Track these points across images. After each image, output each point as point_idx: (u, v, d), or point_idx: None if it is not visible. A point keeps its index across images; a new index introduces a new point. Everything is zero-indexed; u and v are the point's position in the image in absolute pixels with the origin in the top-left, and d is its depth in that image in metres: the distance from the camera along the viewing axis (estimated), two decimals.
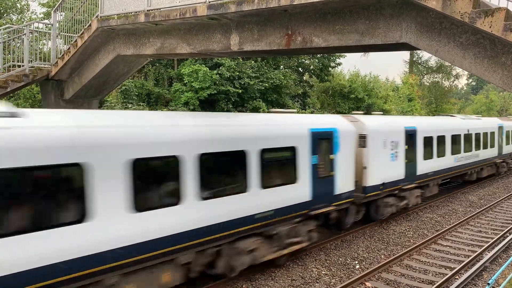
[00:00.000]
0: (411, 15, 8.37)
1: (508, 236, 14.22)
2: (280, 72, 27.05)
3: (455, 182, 24.06)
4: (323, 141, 11.97)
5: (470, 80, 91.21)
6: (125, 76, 15.54)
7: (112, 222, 7.27)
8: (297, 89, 29.88)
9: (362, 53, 37.24)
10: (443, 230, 14.67)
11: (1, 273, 6.05)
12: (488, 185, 24.64)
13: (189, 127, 8.84)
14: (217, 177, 9.15)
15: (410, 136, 16.50)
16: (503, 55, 7.43)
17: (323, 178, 11.88)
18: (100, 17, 12.47)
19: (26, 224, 6.37)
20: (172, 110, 21.82)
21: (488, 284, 8.50)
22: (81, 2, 14.23)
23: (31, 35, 14.42)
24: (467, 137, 21.72)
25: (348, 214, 13.57)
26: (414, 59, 49.19)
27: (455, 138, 20.37)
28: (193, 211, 8.51)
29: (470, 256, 12.29)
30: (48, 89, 14.75)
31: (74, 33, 14.26)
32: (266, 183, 10.09)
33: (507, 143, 27.67)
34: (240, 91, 23.64)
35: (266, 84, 25.15)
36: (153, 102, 22.99)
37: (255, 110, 23.96)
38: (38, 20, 23.68)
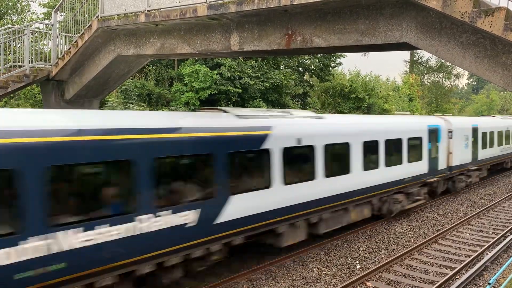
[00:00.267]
0: (411, 15, 8.37)
1: (509, 236, 14.20)
2: (280, 72, 27.06)
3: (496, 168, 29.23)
4: (433, 134, 17.96)
5: (471, 80, 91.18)
6: (126, 76, 15.55)
7: (300, 188, 11.18)
8: (297, 89, 29.89)
9: (363, 53, 37.25)
10: (444, 230, 14.66)
11: (241, 215, 9.50)
12: (489, 185, 24.63)
13: (358, 124, 14.22)
14: (390, 155, 15.01)
15: (475, 131, 22.49)
16: (503, 54, 7.43)
17: (433, 158, 17.92)
18: (101, 17, 12.48)
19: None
20: (173, 110, 21.83)
21: (489, 283, 8.50)
22: (82, 3, 14.24)
23: (31, 36, 14.42)
24: (507, 133, 28.18)
25: (439, 185, 19.39)
26: (414, 58, 49.18)
27: (500, 133, 26.78)
28: (380, 174, 14.57)
29: (471, 255, 12.28)
30: (49, 89, 14.76)
31: (74, 34, 14.27)
32: (410, 159, 16.14)
33: None
34: (241, 91, 23.65)
35: (267, 84, 25.16)
36: (153, 102, 23.01)
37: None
38: (38, 20, 23.70)
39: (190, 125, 8.76)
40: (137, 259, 7.68)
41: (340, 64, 33.88)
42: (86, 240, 6.90)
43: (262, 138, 10.15)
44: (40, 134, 6.58)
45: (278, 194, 10.48)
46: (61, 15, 15.48)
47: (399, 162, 15.48)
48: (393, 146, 15.14)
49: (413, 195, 16.75)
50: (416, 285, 10.29)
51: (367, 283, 10.32)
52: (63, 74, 14.27)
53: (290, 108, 27.06)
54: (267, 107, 24.92)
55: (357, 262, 11.70)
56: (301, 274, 10.62)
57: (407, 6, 8.37)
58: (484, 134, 23.68)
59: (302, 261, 11.51)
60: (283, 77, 26.45)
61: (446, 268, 11.42)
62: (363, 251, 12.53)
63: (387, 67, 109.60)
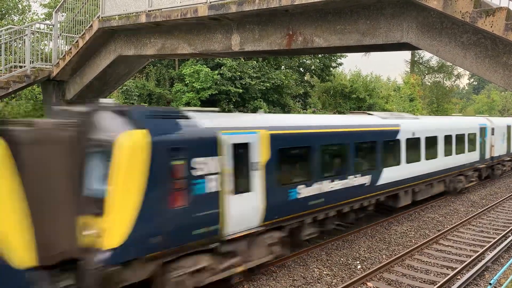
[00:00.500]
0: (412, 15, 8.37)
1: (510, 236, 14.18)
2: (281, 72, 27.06)
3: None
4: (482, 130, 23.01)
5: (472, 80, 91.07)
6: (127, 77, 15.57)
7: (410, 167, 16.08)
8: (298, 89, 29.88)
9: (363, 53, 37.22)
10: (444, 230, 14.64)
11: (386, 181, 14.52)
12: (490, 185, 24.61)
13: (440, 122, 19.15)
14: (458, 145, 20.04)
15: (508, 128, 27.73)
16: (504, 54, 7.42)
17: (482, 150, 22.85)
18: (102, 17, 12.48)
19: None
20: None
21: (490, 284, 8.50)
22: (82, 3, 14.25)
23: (32, 36, 14.44)
24: None
25: (484, 171, 23.86)
26: (415, 59, 49.12)
27: None
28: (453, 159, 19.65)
29: (472, 256, 12.26)
30: (50, 89, 14.78)
31: (75, 34, 14.29)
32: (469, 150, 21.22)
33: None
34: (241, 91, 23.65)
35: (268, 84, 25.17)
36: (154, 102, 23.01)
37: (256, 110, 23.98)
38: (39, 21, 23.72)
39: (367, 123, 14.23)
40: (346, 202, 12.96)
41: (341, 64, 33.90)
42: (331, 187, 12.08)
43: (396, 132, 15.35)
44: (316, 128, 11.81)
45: (402, 170, 15.61)
46: (62, 16, 15.51)
47: (463, 151, 20.67)
48: (460, 139, 20.40)
49: (469, 177, 21.84)
50: (417, 285, 10.28)
51: (368, 283, 10.31)
52: (64, 75, 14.29)
53: (291, 108, 27.45)
54: (268, 107, 24.97)
55: (358, 262, 11.70)
56: (302, 274, 10.61)
57: (408, 6, 8.37)
58: None
59: (303, 261, 11.51)
60: (283, 77, 26.45)
61: (447, 269, 11.41)
62: (364, 251, 12.52)
63: (388, 67, 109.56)
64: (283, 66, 29.69)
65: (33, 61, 14.03)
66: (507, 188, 23.83)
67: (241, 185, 9.34)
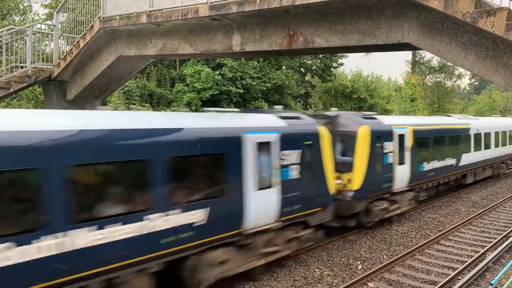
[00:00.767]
0: (413, 15, 8.36)
1: (511, 236, 14.17)
2: (282, 73, 27.05)
3: None
4: None
5: (473, 80, 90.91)
6: (127, 77, 15.57)
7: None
8: (299, 90, 29.86)
9: (364, 53, 37.20)
10: (445, 231, 14.63)
11: (464, 163, 21.15)
12: (491, 185, 24.60)
13: (492, 121, 25.82)
14: (503, 139, 26.34)
15: None
16: (505, 55, 7.41)
17: None
18: (102, 18, 12.49)
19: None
20: (174, 110, 21.84)
21: (491, 284, 8.49)
22: (83, 3, 14.26)
23: (33, 36, 14.46)
24: None
25: None
26: (416, 59, 49.07)
27: None
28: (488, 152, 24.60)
29: (473, 256, 12.25)
30: (51, 90, 14.79)
31: (76, 34, 14.30)
32: (509, 143, 27.22)
33: None
34: (242, 91, 23.65)
35: (268, 85, 25.16)
36: (155, 102, 23.01)
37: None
38: (40, 21, 23.74)
39: (454, 121, 20.87)
40: (443, 176, 19.21)
41: (341, 64, 33.89)
42: (437, 165, 18.29)
43: (469, 128, 21.64)
44: (432, 125, 18.43)
45: (471, 156, 21.48)
46: (63, 16, 15.51)
47: (505, 144, 26.73)
48: (504, 135, 26.55)
49: (508, 165, 28.71)
50: (418, 286, 10.28)
51: (369, 283, 10.31)
52: (65, 75, 14.29)
53: (292, 108, 27.53)
54: (269, 108, 25.01)
55: (359, 262, 11.69)
56: (303, 275, 10.61)
57: (409, 7, 8.36)
58: None
59: (303, 261, 11.51)
60: (284, 78, 26.44)
61: (448, 269, 11.40)
62: (365, 252, 12.52)
63: (389, 67, 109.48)
64: (284, 67, 29.67)
65: (34, 62, 14.04)
66: (508, 189, 23.80)
67: (401, 160, 15.41)
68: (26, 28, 14.19)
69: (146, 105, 21.44)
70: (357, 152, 13.29)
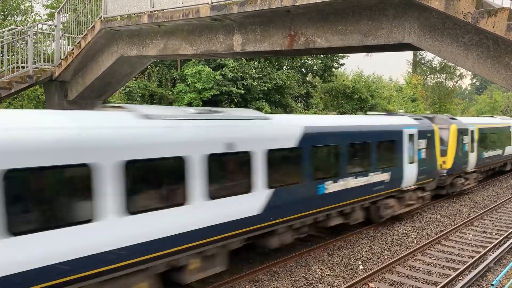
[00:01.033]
0: (414, 16, 8.36)
1: None
2: (283, 73, 27.04)
3: None
4: None
5: (474, 80, 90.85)
6: (129, 77, 15.58)
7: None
8: (300, 90, 29.85)
9: (365, 53, 37.16)
10: (447, 231, 14.62)
11: (507, 154, 28.66)
12: (492, 186, 24.57)
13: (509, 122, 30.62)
14: None
15: None
16: (506, 55, 7.41)
17: None
18: (104, 18, 12.50)
19: None
20: None
21: (492, 285, 8.48)
22: (85, 4, 14.27)
23: (35, 37, 14.48)
24: None
25: None
26: (417, 59, 49.05)
27: None
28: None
29: (474, 257, 12.24)
30: (52, 90, 14.80)
31: (77, 35, 14.31)
32: None
33: None
34: (243, 91, 23.65)
35: (269, 85, 25.16)
36: (156, 102, 23.03)
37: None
38: (42, 21, 23.77)
39: (502, 121, 27.93)
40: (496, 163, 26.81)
41: (342, 64, 33.86)
42: (487, 155, 24.43)
43: (509, 127, 27.86)
44: (480, 124, 24.45)
45: (506, 150, 26.80)
46: (64, 16, 15.53)
47: None
48: None
49: None
50: (419, 286, 10.27)
51: (370, 284, 10.31)
52: (66, 75, 14.31)
53: (293, 109, 27.53)
54: (270, 108, 24.99)
55: (360, 263, 11.69)
56: (304, 275, 10.61)
57: (410, 7, 8.35)
58: None
59: (304, 262, 11.51)
60: (285, 78, 26.44)
61: (449, 269, 11.39)
62: (366, 252, 12.51)
63: (390, 67, 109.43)
64: (285, 67, 29.67)
65: (35, 62, 14.06)
66: (509, 189, 23.78)
67: (472, 149, 21.77)
68: (27, 29, 14.21)
69: (147, 105, 21.44)
70: (449, 142, 19.59)
